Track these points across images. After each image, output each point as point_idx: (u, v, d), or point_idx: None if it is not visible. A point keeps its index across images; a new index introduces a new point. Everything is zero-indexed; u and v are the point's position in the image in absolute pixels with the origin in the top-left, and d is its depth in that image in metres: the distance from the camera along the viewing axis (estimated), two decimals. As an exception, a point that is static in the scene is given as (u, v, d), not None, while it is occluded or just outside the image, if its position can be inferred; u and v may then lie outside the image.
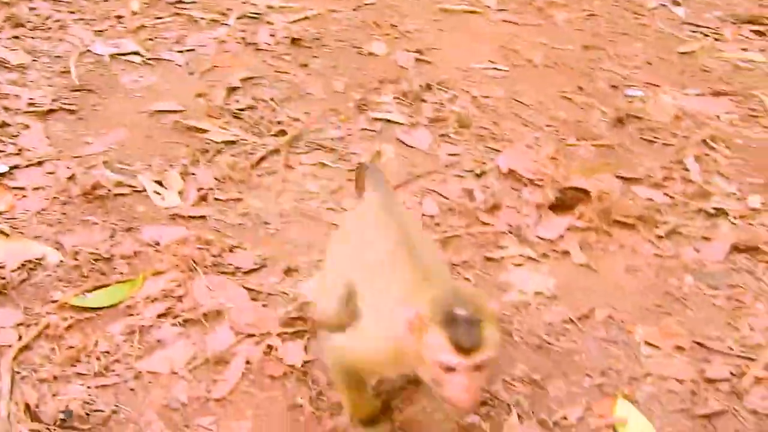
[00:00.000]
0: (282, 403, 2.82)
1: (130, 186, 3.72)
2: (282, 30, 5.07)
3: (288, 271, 3.33)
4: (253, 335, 3.04)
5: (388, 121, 4.31)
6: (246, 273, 3.32)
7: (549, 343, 3.10)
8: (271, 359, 2.95)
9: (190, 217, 3.58)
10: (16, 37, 4.79)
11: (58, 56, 4.64)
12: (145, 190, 3.69)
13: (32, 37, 4.81)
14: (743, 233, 3.67)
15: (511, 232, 3.61)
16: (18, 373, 2.84)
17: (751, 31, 5.57)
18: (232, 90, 4.45)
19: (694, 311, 3.30)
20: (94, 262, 3.30)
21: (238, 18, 5.19)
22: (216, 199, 3.70)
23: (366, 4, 5.51)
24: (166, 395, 2.81)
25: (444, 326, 2.19)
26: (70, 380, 2.83)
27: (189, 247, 3.39)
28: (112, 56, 4.68)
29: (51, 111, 4.18)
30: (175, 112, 4.24)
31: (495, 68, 4.90)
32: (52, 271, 3.26)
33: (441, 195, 3.82)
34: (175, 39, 4.92)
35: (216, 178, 3.80)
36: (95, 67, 4.58)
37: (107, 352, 2.94)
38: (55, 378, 2.83)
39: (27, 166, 3.79)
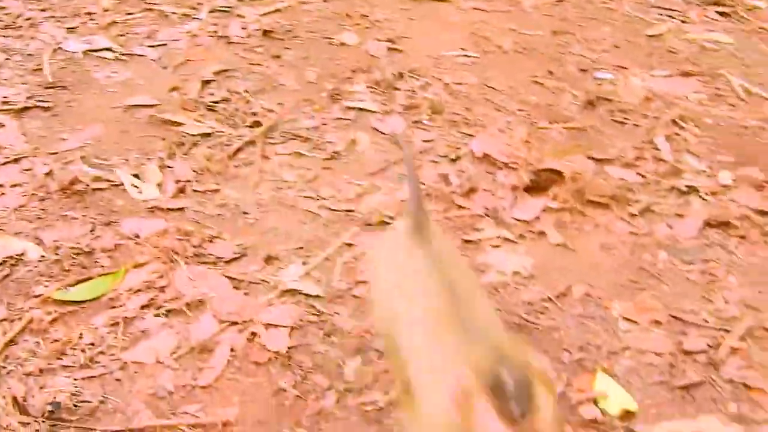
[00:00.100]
0: (267, 389, 2.84)
1: (108, 180, 3.73)
2: (253, 22, 5.09)
3: (268, 259, 3.36)
4: (236, 323, 3.06)
5: (362, 109, 4.34)
6: (227, 262, 3.34)
7: (528, 322, 3.15)
8: (255, 346, 2.99)
9: (169, 209, 3.60)
10: (-13, 37, 4.80)
11: (31, 54, 4.64)
12: (123, 184, 3.71)
13: (4, 36, 4.80)
14: (715, 209, 3.73)
15: (487, 215, 3.65)
16: (4, 368, 2.85)
17: (717, 12, 5.62)
18: (206, 83, 4.46)
19: (670, 286, 3.35)
20: (75, 256, 3.32)
21: (210, 12, 5.20)
22: (194, 190, 3.71)
23: (336, -5, 5.55)
24: (153, 384, 2.83)
25: (491, 396, 1.85)
26: (56, 373, 2.84)
27: (169, 239, 3.41)
28: (85, 53, 4.68)
29: (26, 108, 4.18)
30: (149, 106, 4.25)
31: (466, 55, 4.94)
32: (34, 267, 3.27)
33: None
34: (146, 34, 4.93)
35: (193, 170, 3.82)
36: (68, 64, 4.58)
37: (92, 344, 2.95)
38: (41, 371, 2.84)
39: (4, 164, 3.79)
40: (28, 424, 2.67)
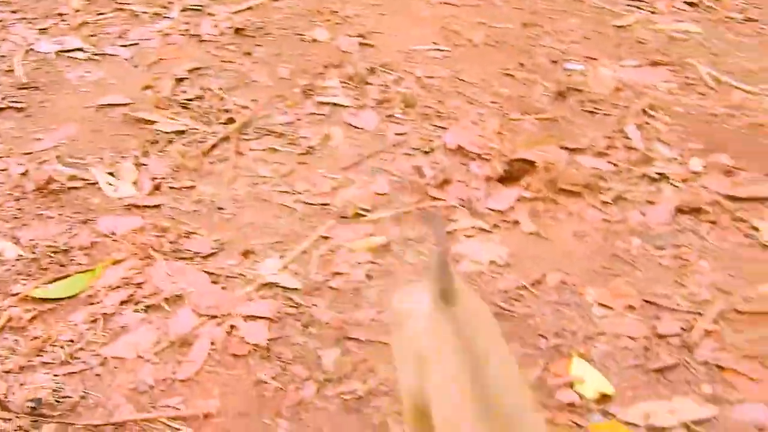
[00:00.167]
0: (247, 380, 2.86)
1: (83, 179, 3.74)
2: (225, 21, 5.10)
3: (245, 254, 3.38)
4: (215, 317, 3.08)
5: (335, 104, 4.36)
6: (204, 257, 3.36)
7: (505, 309, 3.18)
8: (234, 339, 3.01)
9: (145, 206, 3.61)
10: (-42, 39, 4.79)
11: (3, 55, 4.65)
12: (98, 183, 3.72)
13: (-25, 38, 4.81)
14: (686, 195, 3.77)
15: (462, 206, 3.68)
16: (-16, 366, 2.87)
17: (684, 2, 5.69)
18: (179, 81, 4.48)
19: (643, 272, 3.39)
20: (52, 254, 3.33)
21: (181, 11, 5.22)
22: (170, 187, 3.73)
23: (307, -8, 5.57)
24: (133, 379, 2.85)
25: None
26: (36, 370, 2.86)
27: (146, 236, 3.42)
28: (57, 53, 4.69)
29: (-1, 110, 4.20)
30: (123, 105, 4.26)
31: (437, 49, 4.97)
32: (11, 266, 3.28)
33: (391, 173, 3.87)
34: (118, 34, 4.94)
35: (169, 168, 3.83)
36: (40, 65, 4.59)
37: (71, 341, 2.96)
38: (21, 368, 2.85)
39: (-21, 165, 3.81)
40: (10, 420, 2.68)
